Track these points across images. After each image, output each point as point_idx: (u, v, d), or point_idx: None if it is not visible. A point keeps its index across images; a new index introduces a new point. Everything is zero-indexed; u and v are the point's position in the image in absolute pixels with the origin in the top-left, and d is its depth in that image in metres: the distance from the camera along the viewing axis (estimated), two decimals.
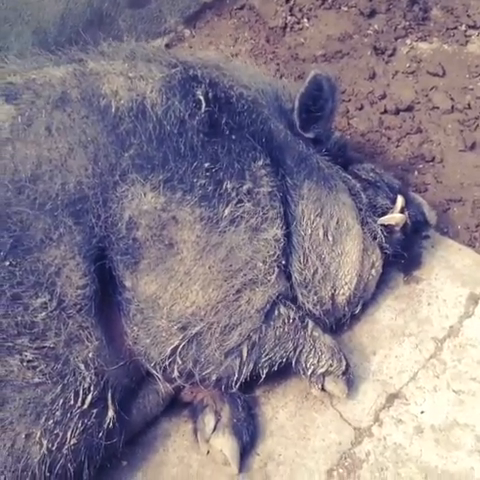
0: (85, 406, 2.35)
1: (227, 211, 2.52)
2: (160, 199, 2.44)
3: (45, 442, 2.28)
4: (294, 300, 2.82)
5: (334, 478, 2.68)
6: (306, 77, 2.86)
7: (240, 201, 2.56)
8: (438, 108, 4.12)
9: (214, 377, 2.63)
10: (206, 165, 2.52)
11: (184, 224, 2.46)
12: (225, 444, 2.67)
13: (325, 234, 2.84)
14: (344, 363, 2.81)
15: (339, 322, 3.05)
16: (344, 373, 2.81)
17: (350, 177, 3.07)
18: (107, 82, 2.55)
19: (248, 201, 2.58)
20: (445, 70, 4.34)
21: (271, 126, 2.82)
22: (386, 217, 3.09)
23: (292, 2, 4.69)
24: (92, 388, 2.35)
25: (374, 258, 3.04)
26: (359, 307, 3.07)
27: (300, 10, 4.68)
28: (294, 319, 2.74)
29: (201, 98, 2.61)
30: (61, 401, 2.30)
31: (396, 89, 4.25)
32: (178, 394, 2.82)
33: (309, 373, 2.81)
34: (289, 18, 4.63)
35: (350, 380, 2.86)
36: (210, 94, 2.65)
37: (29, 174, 2.33)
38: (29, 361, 2.25)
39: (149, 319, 2.48)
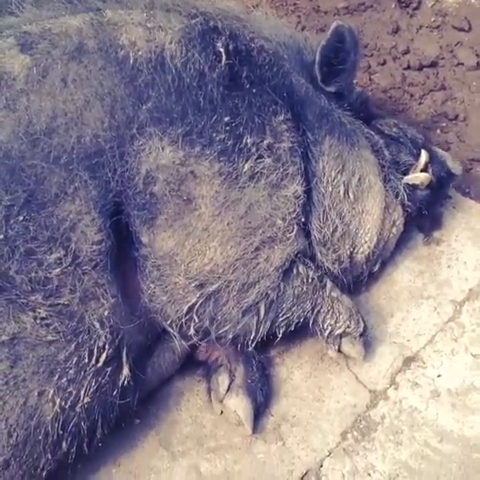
0: (99, 364, 2.33)
1: (247, 166, 2.48)
2: (178, 153, 2.39)
3: (58, 400, 2.26)
4: (312, 258, 2.79)
5: (348, 440, 2.66)
6: (328, 29, 2.78)
7: (260, 156, 2.51)
8: (463, 64, 4.03)
9: (230, 335, 2.61)
10: (226, 119, 2.47)
11: (203, 179, 2.42)
12: (239, 405, 2.66)
13: (346, 191, 2.79)
14: (362, 325, 2.78)
15: (357, 280, 3.01)
16: (361, 335, 2.78)
17: (373, 133, 3.01)
18: (125, 32, 2.48)
19: (268, 156, 2.53)
20: (471, 25, 4.22)
21: (292, 80, 2.76)
22: (410, 176, 3.03)
23: None
24: (107, 346, 2.33)
25: (395, 216, 2.99)
26: (377, 265, 3.03)
27: None
28: (313, 279, 2.70)
29: (221, 50, 2.54)
30: (75, 359, 2.28)
31: (420, 44, 4.15)
32: (193, 353, 2.80)
33: (326, 334, 2.77)
34: None
35: (367, 342, 2.83)
36: (231, 46, 2.59)
37: (44, 127, 2.28)
38: (43, 318, 2.23)
39: (166, 276, 2.44)
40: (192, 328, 2.54)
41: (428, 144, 3.29)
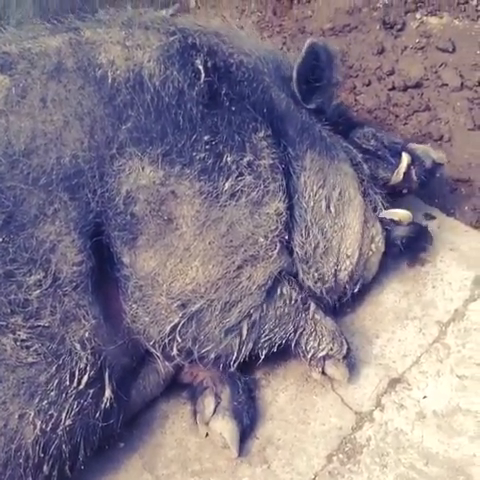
0: (81, 386, 2.31)
1: (227, 185, 2.46)
2: (158, 173, 2.38)
3: (39, 423, 2.25)
4: (294, 277, 2.77)
5: (334, 463, 2.64)
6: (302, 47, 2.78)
7: (241, 174, 2.50)
8: (447, 85, 4.04)
9: (212, 355, 2.59)
10: (206, 138, 2.46)
11: (183, 199, 2.41)
12: (225, 427, 2.64)
13: (327, 206, 2.79)
14: (345, 347, 2.77)
15: (340, 301, 2.99)
16: (345, 357, 2.77)
17: (351, 147, 3.01)
18: (104, 51, 2.48)
19: (249, 174, 2.52)
20: (455, 46, 4.24)
21: (272, 95, 2.75)
22: (389, 212, 3.04)
23: None
24: (88, 368, 2.32)
25: (374, 232, 2.97)
26: (359, 285, 3.00)
27: None
28: (296, 300, 2.70)
29: (200, 68, 2.54)
30: (56, 381, 2.27)
31: (405, 65, 4.17)
32: (178, 375, 2.78)
33: (309, 356, 2.77)
34: None
35: (351, 364, 2.82)
36: (209, 63, 2.58)
37: (23, 148, 2.28)
38: (23, 340, 2.21)
39: (148, 296, 2.43)
40: (175, 348, 2.53)
41: (407, 144, 3.29)
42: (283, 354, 2.83)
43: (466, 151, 3.75)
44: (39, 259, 2.23)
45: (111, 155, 2.36)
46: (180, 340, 2.50)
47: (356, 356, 2.92)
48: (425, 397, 2.82)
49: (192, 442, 2.70)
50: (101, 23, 2.67)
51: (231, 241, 2.47)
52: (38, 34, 2.56)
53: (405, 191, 3.15)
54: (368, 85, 4.07)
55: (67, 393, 2.29)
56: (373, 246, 2.98)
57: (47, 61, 2.42)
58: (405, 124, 3.87)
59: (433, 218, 3.43)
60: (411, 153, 3.14)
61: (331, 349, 2.75)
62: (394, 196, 3.14)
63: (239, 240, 2.49)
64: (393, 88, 4.05)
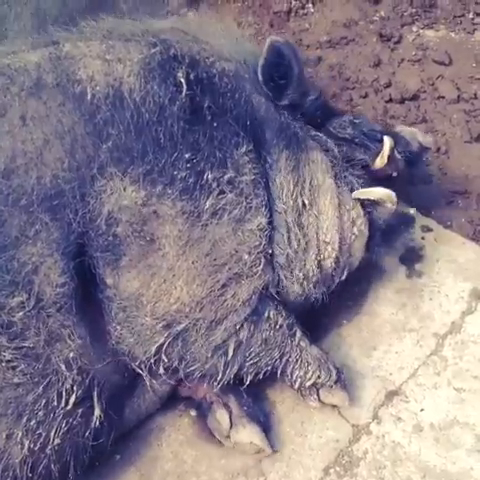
0: (69, 406, 2.29)
1: (208, 203, 2.42)
2: (140, 193, 2.34)
3: (27, 442, 2.23)
4: (277, 285, 2.72)
5: (331, 476, 2.63)
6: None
7: (222, 192, 2.46)
8: (444, 97, 4.05)
9: (198, 374, 2.58)
10: (187, 156, 2.41)
11: (165, 218, 2.37)
12: (250, 434, 2.64)
13: (302, 200, 2.74)
14: (334, 372, 2.75)
15: (329, 290, 2.92)
16: (336, 382, 2.75)
17: (321, 134, 2.93)
18: (83, 66, 2.43)
19: (230, 191, 2.48)
20: (451, 59, 4.26)
21: (254, 103, 2.70)
22: (364, 191, 2.91)
23: None
24: (75, 388, 2.29)
25: (354, 214, 2.89)
26: (346, 273, 2.94)
27: None
28: (282, 325, 2.68)
29: (182, 81, 2.48)
30: (43, 401, 2.25)
31: (401, 77, 4.18)
32: (175, 389, 2.77)
33: (297, 386, 2.77)
34: (294, 3, 4.56)
35: (346, 386, 2.78)
36: (192, 75, 2.53)
37: (3, 168, 2.24)
38: (8, 361, 2.19)
39: (132, 317, 2.40)
40: (161, 368, 2.51)
41: (392, 128, 3.31)
42: None
43: (463, 163, 3.75)
44: (21, 281, 2.20)
45: (92, 175, 2.31)
46: (166, 360, 2.49)
47: (353, 368, 2.92)
48: (422, 410, 2.81)
49: (188, 455, 2.69)
50: (82, 35, 2.63)
51: (215, 259, 2.44)
52: (18, 49, 2.51)
53: (395, 174, 3.05)
54: (365, 97, 4.08)
55: (55, 413, 2.27)
56: (355, 229, 2.90)
57: (26, 77, 2.37)
58: None
59: (430, 230, 3.43)
60: (396, 136, 3.09)
61: (318, 377, 2.72)
62: (384, 181, 3.03)
63: (223, 258, 2.46)
64: (390, 100, 4.05)
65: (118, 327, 2.41)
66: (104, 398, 2.39)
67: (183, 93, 2.47)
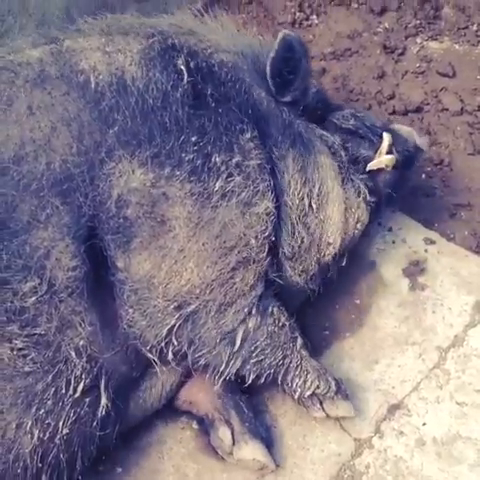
0: (77, 394, 2.30)
1: (218, 185, 2.46)
2: (149, 175, 2.38)
3: (36, 432, 2.24)
4: (280, 272, 2.76)
5: None
6: (275, 39, 2.74)
7: (230, 175, 2.50)
8: (447, 110, 4.05)
9: (203, 361, 2.59)
10: (193, 139, 2.46)
11: (175, 200, 2.40)
12: (254, 451, 2.63)
13: (309, 203, 2.78)
14: (333, 383, 2.75)
15: (325, 278, 2.97)
16: (337, 393, 2.76)
17: (328, 134, 2.96)
18: (84, 58, 2.48)
19: (238, 175, 2.51)
20: (455, 71, 4.26)
21: (255, 95, 2.74)
22: (374, 162, 3.01)
23: None
24: (84, 376, 2.31)
25: (359, 213, 2.95)
26: (344, 260, 3.00)
27: (309, 6, 4.60)
28: (285, 325, 2.70)
29: (182, 68, 2.53)
30: (52, 390, 2.26)
31: (405, 89, 4.18)
32: (175, 402, 2.78)
33: (297, 396, 2.77)
34: (298, 14, 4.56)
35: (348, 397, 2.79)
36: (191, 63, 2.57)
37: (12, 155, 2.28)
38: (20, 349, 2.20)
39: (144, 299, 2.42)
40: (170, 352, 2.52)
41: (391, 124, 3.30)
42: None
43: (466, 175, 3.75)
44: (34, 265, 2.22)
45: (100, 159, 2.35)
46: (176, 343, 2.50)
47: (355, 381, 2.92)
48: (425, 424, 2.80)
49: (190, 468, 2.68)
50: (80, 32, 2.68)
51: (224, 242, 2.48)
52: (20, 48, 2.57)
53: (389, 169, 3.07)
54: (369, 109, 4.07)
55: (63, 402, 2.28)
56: (359, 225, 2.98)
57: (30, 70, 2.42)
58: None
59: (433, 243, 3.42)
60: (393, 133, 3.11)
61: (317, 387, 2.73)
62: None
63: (232, 241, 2.49)
64: (394, 112, 4.05)
65: (130, 310, 2.42)
66: (111, 388, 2.40)
67: (184, 80, 2.52)
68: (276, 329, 2.67)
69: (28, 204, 2.25)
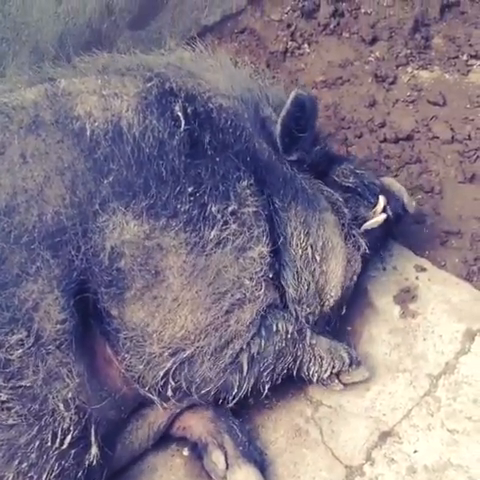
0: (64, 447, 2.25)
1: (213, 234, 2.46)
2: (143, 227, 2.37)
3: None
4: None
5: None
6: (287, 98, 2.76)
7: (225, 223, 2.50)
8: (438, 138, 4.07)
9: (213, 392, 2.60)
10: (190, 189, 2.45)
11: (169, 250, 2.40)
12: (247, 476, 2.61)
13: (313, 254, 2.82)
14: (346, 357, 2.85)
15: (328, 325, 3.03)
16: (351, 364, 2.86)
17: (332, 191, 3.01)
18: (80, 102, 2.46)
19: (233, 222, 2.52)
20: (446, 99, 4.29)
21: (255, 145, 2.74)
22: (370, 223, 3.08)
23: (293, 27, 4.65)
24: (72, 428, 2.27)
25: (356, 266, 3.03)
26: (344, 309, 3.05)
27: (301, 35, 4.64)
28: (292, 333, 2.72)
29: (180, 114, 2.52)
30: (37, 443, 2.21)
31: (396, 117, 4.20)
32: (169, 429, 2.76)
33: (315, 379, 2.84)
34: (290, 43, 4.60)
35: (360, 362, 2.92)
36: (189, 109, 2.56)
37: (4, 205, 2.25)
38: (3, 402, 2.17)
39: (139, 346, 2.42)
40: (169, 390, 2.52)
41: (383, 179, 3.37)
42: (273, 406, 2.88)
43: (456, 203, 3.76)
44: (21, 318, 2.19)
45: (94, 211, 2.33)
46: (173, 382, 2.50)
47: (346, 408, 2.91)
48: (416, 451, 2.79)
49: None
50: (77, 71, 2.67)
51: (218, 288, 2.48)
52: (14, 87, 2.54)
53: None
54: (360, 137, 4.10)
55: (48, 454, 2.24)
56: (355, 277, 3.05)
57: (24, 115, 2.39)
58: (396, 176, 3.86)
59: (424, 270, 3.43)
60: (387, 192, 3.19)
61: (333, 367, 2.82)
62: None
63: (226, 286, 2.50)
64: (384, 140, 4.07)
65: (127, 355, 2.43)
66: (100, 435, 2.37)
67: (182, 127, 2.50)
68: (283, 343, 2.70)
69: (18, 256, 2.22)
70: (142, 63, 2.77)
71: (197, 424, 2.74)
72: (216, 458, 2.67)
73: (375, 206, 3.12)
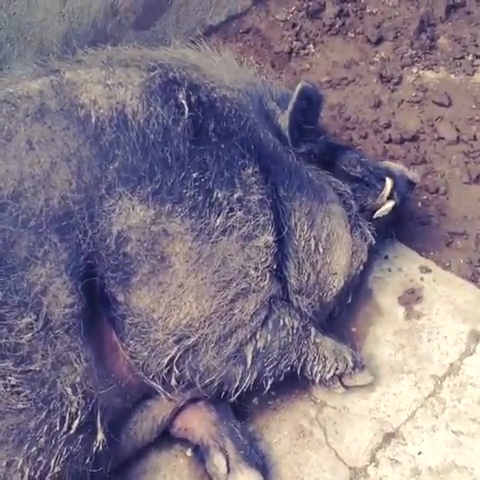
0: (71, 431, 2.27)
1: (219, 221, 2.47)
2: (149, 212, 2.38)
3: (27, 470, 2.20)
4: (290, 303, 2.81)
5: None
6: (294, 91, 2.77)
7: (231, 210, 2.51)
8: (443, 139, 4.06)
9: (216, 383, 2.59)
10: (195, 175, 2.46)
11: (175, 236, 2.41)
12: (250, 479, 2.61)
13: (316, 245, 2.82)
14: (349, 359, 2.85)
15: (331, 315, 3.05)
16: (354, 367, 2.85)
17: (340, 182, 3.02)
18: (85, 91, 2.48)
19: (239, 209, 2.53)
20: (451, 100, 4.28)
21: (260, 134, 2.76)
22: (380, 211, 3.12)
23: (298, 27, 4.63)
24: (79, 412, 2.28)
25: (362, 256, 3.04)
26: (350, 297, 3.08)
27: (306, 36, 4.63)
28: (298, 329, 2.73)
29: (183, 102, 2.54)
30: (46, 427, 2.22)
31: (401, 118, 4.19)
32: (170, 429, 2.76)
33: (318, 380, 2.83)
34: (295, 43, 4.58)
35: (364, 366, 2.91)
36: (192, 98, 2.58)
37: (11, 191, 2.27)
38: (13, 386, 2.17)
39: (145, 332, 2.43)
40: (173, 379, 2.52)
41: (383, 163, 3.38)
42: (277, 407, 2.87)
43: (462, 204, 3.75)
44: (30, 302, 2.20)
45: (100, 196, 2.35)
46: (177, 371, 2.51)
47: (351, 409, 2.91)
48: (420, 453, 2.79)
49: None
50: (81, 63, 2.69)
51: (223, 276, 2.48)
52: (20, 79, 2.57)
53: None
54: (365, 138, 4.08)
55: (57, 439, 2.25)
56: (361, 266, 3.06)
57: (30, 103, 2.42)
58: None
59: (429, 271, 3.42)
60: (391, 174, 3.19)
61: (336, 368, 2.82)
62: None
63: (231, 274, 2.50)
64: (390, 141, 4.06)
65: (132, 342, 2.44)
66: (106, 422, 2.38)
67: (185, 115, 2.52)
68: (289, 338, 2.70)
69: (26, 240, 2.24)
70: (146, 55, 2.80)
71: (199, 426, 2.74)
72: (218, 462, 2.67)
73: (383, 190, 3.13)
